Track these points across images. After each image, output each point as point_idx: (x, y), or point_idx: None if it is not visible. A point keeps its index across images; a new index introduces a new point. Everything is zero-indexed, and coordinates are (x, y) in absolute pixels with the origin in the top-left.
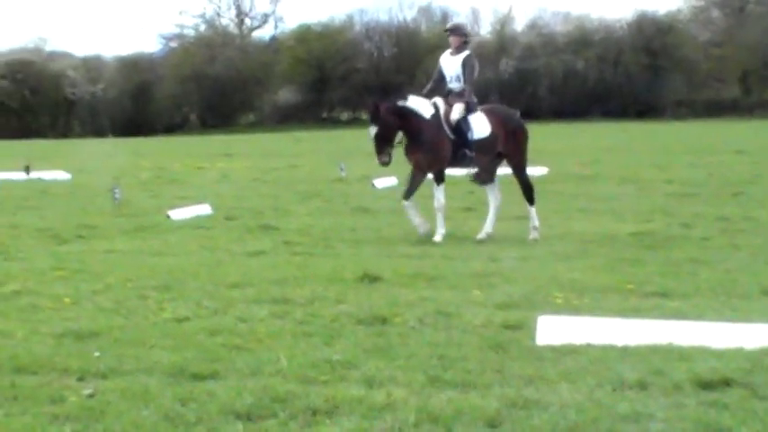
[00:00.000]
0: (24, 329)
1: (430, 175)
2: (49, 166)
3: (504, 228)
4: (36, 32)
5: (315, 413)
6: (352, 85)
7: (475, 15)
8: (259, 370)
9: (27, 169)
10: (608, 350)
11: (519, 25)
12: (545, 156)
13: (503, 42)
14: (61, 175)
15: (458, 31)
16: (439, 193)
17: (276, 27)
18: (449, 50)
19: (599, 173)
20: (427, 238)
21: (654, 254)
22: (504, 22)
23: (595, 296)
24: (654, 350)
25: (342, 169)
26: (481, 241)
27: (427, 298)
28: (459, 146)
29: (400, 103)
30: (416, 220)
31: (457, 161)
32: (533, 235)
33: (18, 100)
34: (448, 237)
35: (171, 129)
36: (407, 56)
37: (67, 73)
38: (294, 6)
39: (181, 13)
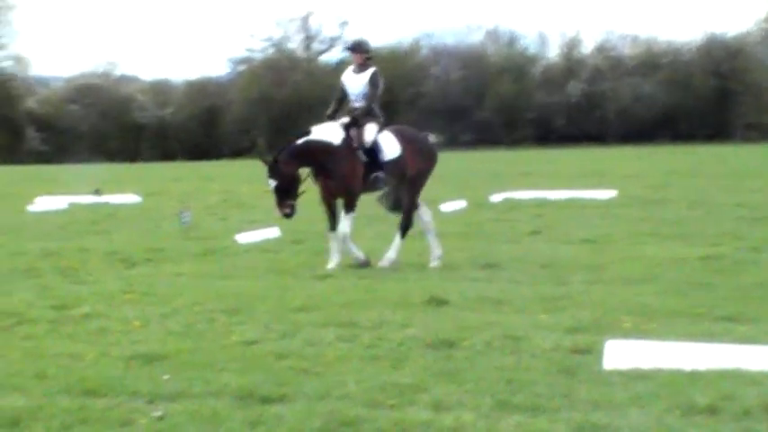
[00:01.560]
0: (94, 352)
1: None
2: (118, 190)
3: (572, 251)
4: (106, 57)
5: None
6: (420, 109)
7: (542, 38)
8: (327, 393)
9: (96, 192)
10: (677, 375)
11: (587, 48)
12: (613, 179)
13: (570, 65)
14: (130, 198)
15: (360, 48)
16: (346, 223)
17: (343, 51)
18: (351, 68)
19: (667, 196)
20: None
21: (723, 278)
22: (572, 45)
23: (664, 320)
24: (724, 375)
25: None
26: (435, 269)
27: (494, 322)
28: (371, 168)
29: (302, 141)
30: (351, 248)
31: (369, 185)
32: (383, 263)
33: (87, 124)
34: (515, 260)
35: (239, 152)
36: (475, 79)
37: (136, 97)
38: (361, 30)
39: (249, 36)
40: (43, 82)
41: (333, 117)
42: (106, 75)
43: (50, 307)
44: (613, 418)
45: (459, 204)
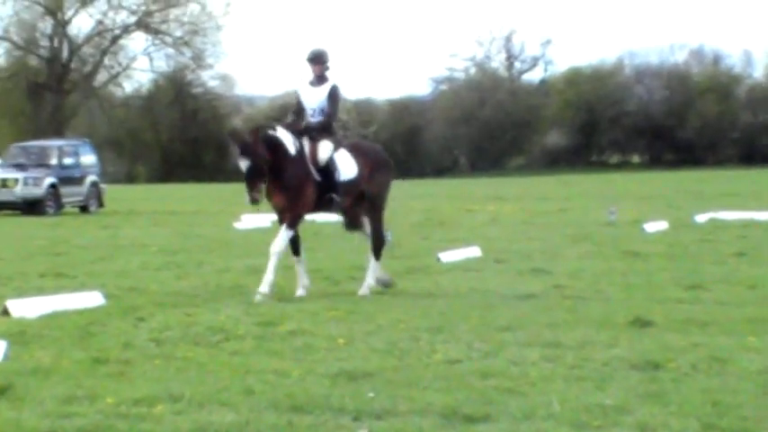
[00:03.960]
0: (300, 369)
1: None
2: None
3: None
4: None
5: None
6: (622, 128)
7: (747, 57)
8: (532, 413)
9: None
10: None
11: None
12: None
13: None
14: (333, 216)
15: (319, 59)
16: (283, 239)
17: (546, 70)
18: (308, 81)
19: None
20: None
21: None
22: None
23: None
24: None
25: (611, 213)
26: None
27: (700, 343)
28: (325, 189)
29: (270, 132)
30: (304, 280)
31: (322, 206)
32: (363, 291)
33: None
34: (720, 282)
35: (440, 171)
36: (678, 99)
37: (340, 116)
38: (564, 49)
39: (451, 56)
40: (248, 101)
41: (290, 131)
42: None
43: (256, 324)
44: None
45: (662, 225)
